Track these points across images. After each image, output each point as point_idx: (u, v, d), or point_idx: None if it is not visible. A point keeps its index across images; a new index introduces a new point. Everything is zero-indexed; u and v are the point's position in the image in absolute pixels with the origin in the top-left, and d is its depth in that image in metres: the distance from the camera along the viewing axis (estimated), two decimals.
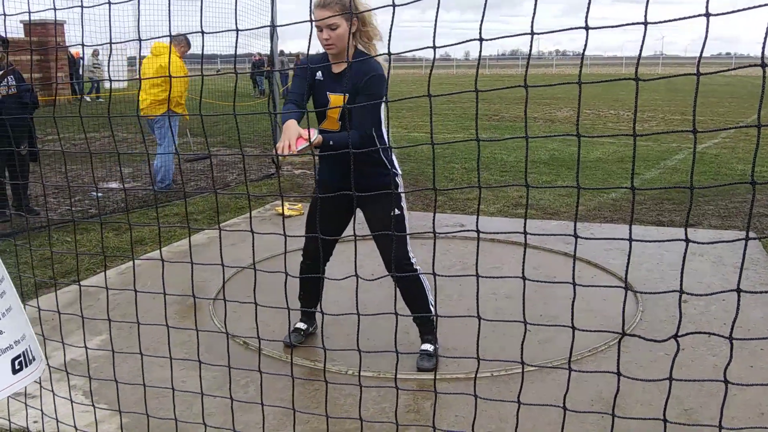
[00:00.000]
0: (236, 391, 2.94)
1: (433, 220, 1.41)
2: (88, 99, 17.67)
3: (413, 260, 3.17)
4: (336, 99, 3.01)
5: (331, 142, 2.88)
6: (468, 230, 1.33)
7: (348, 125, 2.52)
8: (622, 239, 1.26)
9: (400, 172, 3.19)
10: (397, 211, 3.07)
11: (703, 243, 1.27)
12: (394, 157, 3.14)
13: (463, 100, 21.17)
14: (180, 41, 7.18)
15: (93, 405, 2.44)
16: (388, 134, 2.89)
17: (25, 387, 2.77)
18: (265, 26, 5.57)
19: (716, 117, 15.71)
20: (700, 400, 2.86)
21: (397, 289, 2.86)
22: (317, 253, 3.24)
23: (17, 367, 1.56)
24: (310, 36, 1.73)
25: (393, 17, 1.44)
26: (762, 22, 1.26)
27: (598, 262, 4.72)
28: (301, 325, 3.54)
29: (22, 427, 2.71)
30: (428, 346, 3.24)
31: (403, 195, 3.18)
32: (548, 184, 7.72)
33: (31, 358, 1.62)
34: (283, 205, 1.95)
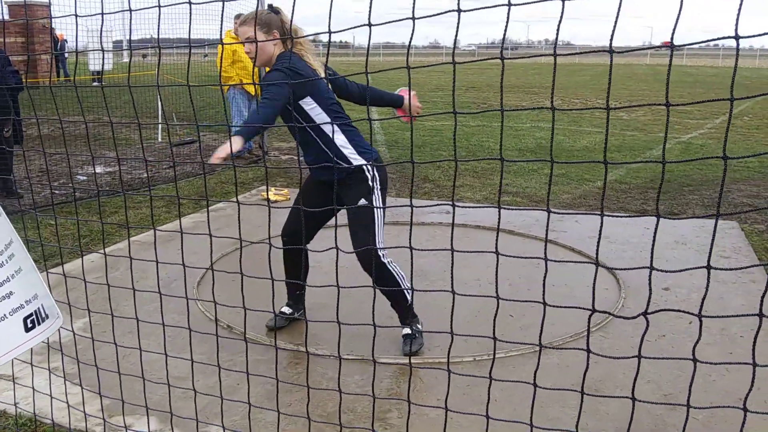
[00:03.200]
0: (216, 376, 2.94)
1: (411, 192, 1.40)
2: (95, 84, 17.50)
3: (381, 252, 3.14)
4: None
5: (238, 137, 2.86)
6: (444, 203, 1.34)
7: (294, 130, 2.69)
8: (590, 213, 1.27)
9: (363, 164, 3.14)
10: (363, 202, 3.09)
11: (667, 218, 1.27)
12: (353, 153, 3.14)
13: (452, 88, 21.08)
14: (234, 23, 8.00)
15: (81, 387, 2.44)
16: (349, 132, 3.11)
17: (12, 368, 2.76)
18: None
19: (703, 108, 15.79)
20: (679, 386, 2.89)
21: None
22: (297, 230, 3.29)
23: (29, 325, 1.61)
24: (292, 19, 1.72)
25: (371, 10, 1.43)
26: (744, 13, 1.26)
27: (582, 249, 4.74)
28: (286, 309, 3.54)
29: (8, 406, 2.70)
30: (407, 330, 3.26)
31: (375, 187, 3.15)
32: (534, 172, 7.75)
33: (44, 315, 1.66)
34: (268, 190, 1.94)
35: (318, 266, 4.21)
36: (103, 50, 1.76)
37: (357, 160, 3.12)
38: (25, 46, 17.31)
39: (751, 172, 7.76)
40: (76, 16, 2.00)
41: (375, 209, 3.11)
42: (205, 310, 3.71)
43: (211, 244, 1.85)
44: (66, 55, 23.03)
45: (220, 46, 7.98)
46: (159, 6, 1.53)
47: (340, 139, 3.13)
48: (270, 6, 3.18)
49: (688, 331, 3.44)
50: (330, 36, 1.56)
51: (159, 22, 1.52)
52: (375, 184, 3.14)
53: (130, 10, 1.65)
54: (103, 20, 1.90)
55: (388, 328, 3.41)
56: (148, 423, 2.52)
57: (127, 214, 2.13)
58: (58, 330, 2.27)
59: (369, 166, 3.13)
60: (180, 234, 1.67)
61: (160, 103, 9.84)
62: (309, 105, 3.09)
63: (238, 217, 1.63)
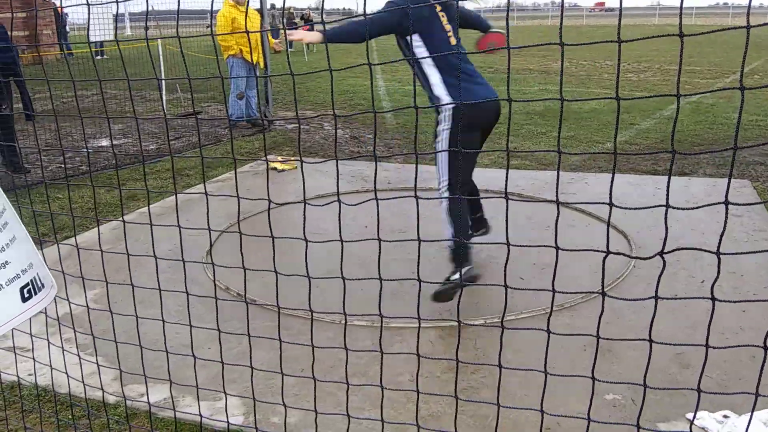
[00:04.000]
0: (230, 342, 2.95)
1: (415, 141, 1.37)
2: (98, 57, 17.36)
3: (440, 189, 3.37)
4: None
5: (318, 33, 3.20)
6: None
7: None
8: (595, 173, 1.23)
9: (442, 104, 3.26)
10: (437, 140, 3.34)
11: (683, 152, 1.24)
12: (442, 93, 3.23)
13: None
14: None
15: (81, 358, 2.44)
16: (445, 71, 3.20)
17: (14, 341, 2.77)
18: None
19: (713, 67, 15.55)
20: (691, 347, 2.87)
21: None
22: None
23: (26, 295, 1.60)
24: None
25: None
26: None
27: (591, 211, 4.70)
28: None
29: (14, 380, 2.72)
30: (448, 274, 3.29)
31: (444, 129, 3.27)
32: (543, 135, 7.67)
33: (39, 285, 1.65)
34: (267, 162, 1.91)
35: (325, 233, 4.19)
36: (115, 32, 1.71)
37: (441, 99, 3.20)
38: (26, 22, 17.19)
39: (762, 130, 7.65)
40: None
41: (440, 156, 3.31)
42: (216, 279, 3.71)
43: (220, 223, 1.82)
44: (68, 29, 22.87)
45: (220, 14, 8.00)
46: None
47: (435, 78, 3.20)
48: None
49: (701, 290, 3.42)
50: None
51: None
52: (444, 125, 3.24)
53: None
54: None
55: (395, 292, 3.41)
56: (170, 392, 2.53)
57: (147, 183, 2.11)
58: (68, 302, 2.26)
59: (444, 108, 3.20)
60: (190, 204, 1.65)
61: (162, 73, 9.77)
62: (416, 42, 3.17)
63: (266, 177, 1.60)
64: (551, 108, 9.64)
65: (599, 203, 1.24)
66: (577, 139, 7.33)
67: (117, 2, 1.71)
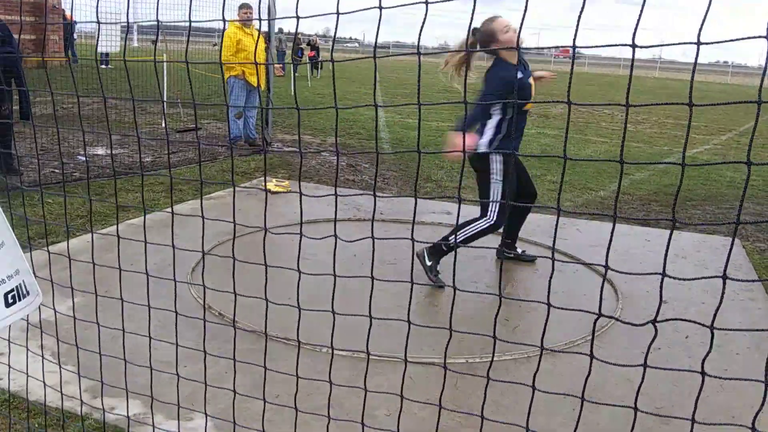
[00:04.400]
0: (207, 362, 2.90)
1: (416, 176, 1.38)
2: (104, 67, 17.42)
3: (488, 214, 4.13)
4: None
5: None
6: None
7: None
8: (595, 213, 1.23)
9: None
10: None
11: (687, 224, 1.24)
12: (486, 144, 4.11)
13: (458, 91, 21.03)
14: (238, 13, 8.25)
15: (60, 366, 2.41)
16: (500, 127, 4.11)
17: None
18: None
19: (710, 123, 15.75)
20: (673, 399, 2.86)
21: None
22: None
23: (10, 301, 1.58)
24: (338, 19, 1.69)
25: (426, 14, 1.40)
26: (759, 30, 1.22)
27: (582, 257, 4.71)
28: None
29: None
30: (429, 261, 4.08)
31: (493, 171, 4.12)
32: (538, 178, 7.71)
33: (24, 292, 1.62)
34: (266, 181, 1.91)
35: (313, 258, 4.18)
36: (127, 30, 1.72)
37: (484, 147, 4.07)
38: (34, 26, 17.28)
39: (755, 191, 7.72)
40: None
41: (495, 190, 4.09)
42: (198, 297, 3.68)
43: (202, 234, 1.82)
44: (75, 36, 22.99)
45: (225, 34, 8.09)
46: None
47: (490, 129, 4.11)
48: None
49: (684, 345, 3.41)
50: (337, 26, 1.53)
51: (158, 7, 1.49)
52: (496, 175, 4.08)
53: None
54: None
55: (381, 324, 3.38)
56: (128, 406, 2.49)
57: (144, 194, 2.10)
58: (53, 309, 2.23)
59: (497, 159, 4.06)
60: (181, 218, 1.64)
61: (165, 87, 9.81)
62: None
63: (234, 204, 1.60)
64: (547, 151, 9.71)
65: (598, 265, 1.24)
66: (572, 185, 7.37)
67: (128, 22, 1.72)
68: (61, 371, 2.44)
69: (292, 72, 19.77)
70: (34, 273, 1.71)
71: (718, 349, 3.38)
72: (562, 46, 1.25)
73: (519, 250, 4.69)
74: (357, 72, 26.08)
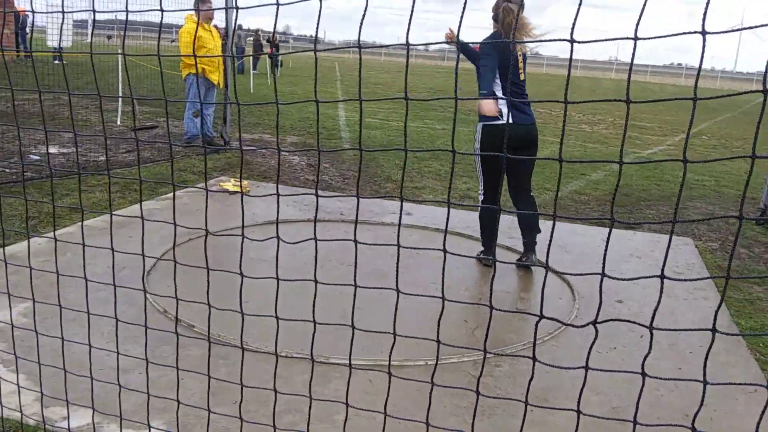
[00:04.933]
0: (161, 368, 2.85)
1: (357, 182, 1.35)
2: (56, 62, 16.92)
3: (479, 194, 4.52)
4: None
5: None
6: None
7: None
8: (545, 214, 1.23)
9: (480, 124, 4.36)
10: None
11: (624, 223, 1.25)
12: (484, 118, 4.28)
13: (421, 92, 21.12)
14: (197, 8, 8.01)
15: (17, 374, 2.32)
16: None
17: None
18: None
19: (664, 125, 16.11)
20: (629, 399, 2.90)
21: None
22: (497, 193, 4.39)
23: None
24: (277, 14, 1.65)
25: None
26: (715, 34, 1.24)
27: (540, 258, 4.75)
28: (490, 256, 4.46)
29: None
30: (533, 255, 4.44)
31: (475, 146, 4.39)
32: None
33: None
34: (240, 179, 1.87)
35: (270, 262, 4.13)
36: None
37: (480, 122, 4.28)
38: None
39: (706, 190, 7.92)
40: None
41: (476, 162, 4.47)
42: (153, 302, 3.60)
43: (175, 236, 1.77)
44: (27, 30, 22.36)
45: (183, 30, 7.94)
46: None
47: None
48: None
49: (640, 344, 3.46)
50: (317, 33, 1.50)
51: None
52: (475, 144, 4.35)
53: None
54: None
55: (338, 328, 3.36)
56: (93, 417, 2.42)
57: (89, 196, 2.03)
58: None
59: (479, 127, 4.28)
60: (137, 220, 1.59)
61: (120, 84, 9.60)
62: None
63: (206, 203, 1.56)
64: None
65: (539, 265, 1.24)
66: None
67: (64, 11, 1.66)
68: None
69: (251, 70, 19.57)
70: None
71: (671, 348, 3.45)
72: (546, 40, 1.24)
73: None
74: (320, 68, 25.86)
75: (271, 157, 8.35)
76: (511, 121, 4.01)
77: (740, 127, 17.35)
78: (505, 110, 4.16)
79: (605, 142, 11.92)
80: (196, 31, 2.07)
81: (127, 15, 1.58)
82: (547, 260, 1.22)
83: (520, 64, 4.30)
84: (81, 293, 3.37)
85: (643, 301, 4.07)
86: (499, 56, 4.14)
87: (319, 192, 6.34)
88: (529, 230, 4.44)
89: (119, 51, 10.18)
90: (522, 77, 4.31)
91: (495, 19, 4.30)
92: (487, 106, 4.10)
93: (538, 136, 4.37)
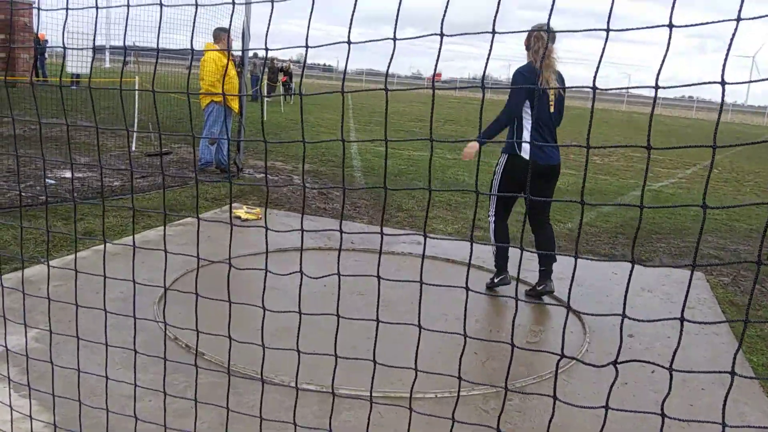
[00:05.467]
0: (172, 396, 2.85)
1: (382, 220, 1.37)
2: (73, 87, 17.21)
3: (490, 217, 4.67)
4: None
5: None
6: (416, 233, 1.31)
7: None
8: (564, 255, 1.25)
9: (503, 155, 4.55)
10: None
11: (645, 265, 1.26)
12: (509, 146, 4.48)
13: (436, 121, 21.21)
14: (220, 37, 8.06)
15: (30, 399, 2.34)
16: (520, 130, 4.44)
17: None
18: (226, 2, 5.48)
19: (676, 157, 16.10)
20: None
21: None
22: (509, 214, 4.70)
23: None
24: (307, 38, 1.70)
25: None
26: (724, 67, 1.27)
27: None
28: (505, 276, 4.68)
29: None
30: (550, 283, 4.55)
31: (497, 170, 4.56)
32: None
33: None
34: (232, 209, 1.90)
35: (283, 290, 4.14)
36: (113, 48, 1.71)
37: (512, 147, 4.41)
38: (4, 43, 17.07)
39: (718, 224, 7.89)
40: (66, 9, 1.96)
41: (492, 186, 4.51)
42: (164, 329, 3.61)
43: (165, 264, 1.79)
44: (46, 55, 22.76)
45: (208, 59, 8.03)
46: (128, 5, 1.49)
47: (525, 131, 4.37)
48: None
49: (651, 380, 3.44)
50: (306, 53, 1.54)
51: (126, 29, 1.48)
52: (497, 168, 4.50)
53: (97, 8, 1.61)
54: (97, 15, 1.86)
55: (351, 360, 3.36)
56: None
57: (103, 221, 2.07)
58: (4, 345, 2.17)
59: (503, 157, 4.47)
60: (148, 245, 1.62)
61: (136, 112, 9.74)
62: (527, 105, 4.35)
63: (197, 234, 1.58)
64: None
65: (559, 304, 1.25)
66: None
67: (97, 7, 1.71)
68: (12, 412, 2.38)
69: (261, 95, 19.78)
70: None
71: (683, 384, 3.42)
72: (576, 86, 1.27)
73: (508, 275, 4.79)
74: (330, 98, 26.22)
75: (283, 183, 8.41)
76: (527, 157, 4.11)
77: (752, 161, 17.33)
78: (525, 143, 4.30)
79: (616, 174, 11.93)
80: (225, 65, 2.11)
81: (158, 41, 1.62)
82: (568, 300, 1.24)
83: (551, 97, 4.35)
84: (93, 319, 3.39)
85: (654, 336, 4.05)
86: (530, 90, 4.26)
87: (334, 221, 6.37)
88: (547, 258, 4.51)
89: (131, 78, 10.34)
90: (551, 110, 4.38)
91: (527, 47, 4.37)
92: (467, 150, 4.43)
93: (560, 172, 4.49)
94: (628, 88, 1.41)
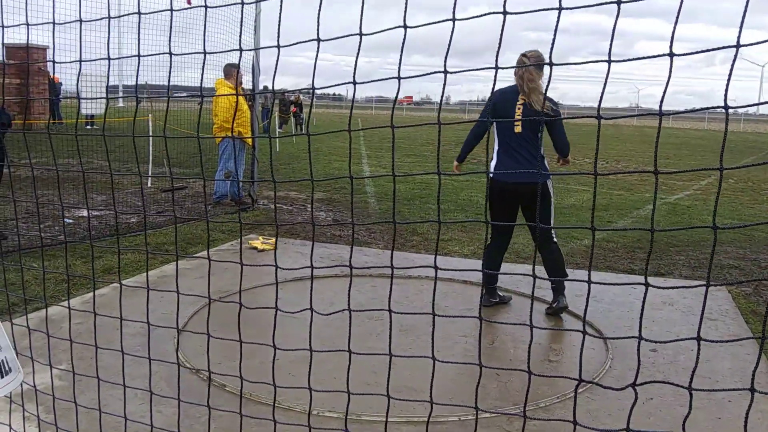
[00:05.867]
0: (195, 428, 2.86)
1: (392, 252, 1.38)
2: (88, 127, 17.54)
3: (554, 236, 4.63)
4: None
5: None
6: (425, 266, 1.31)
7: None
8: (580, 281, 1.25)
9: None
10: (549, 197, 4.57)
11: (660, 288, 1.26)
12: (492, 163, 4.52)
13: (444, 144, 21.25)
14: (231, 73, 8.15)
15: None
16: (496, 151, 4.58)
17: None
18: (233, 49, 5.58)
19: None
20: None
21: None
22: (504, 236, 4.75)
23: None
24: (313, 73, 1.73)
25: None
26: (735, 78, 1.28)
27: (570, 308, 4.71)
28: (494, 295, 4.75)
29: None
30: (563, 299, 4.52)
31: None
32: (522, 228, 7.76)
33: (7, 369, 1.59)
34: (241, 239, 1.92)
35: (300, 318, 4.15)
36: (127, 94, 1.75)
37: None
38: (20, 88, 17.41)
39: (736, 235, 7.82)
40: (80, 61, 2.01)
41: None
42: (185, 360, 3.63)
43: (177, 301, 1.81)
44: (60, 97, 23.15)
45: (223, 97, 8.11)
46: (138, 55, 1.53)
47: (495, 150, 4.57)
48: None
49: (677, 394, 3.39)
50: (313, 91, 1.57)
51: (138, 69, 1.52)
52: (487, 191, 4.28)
53: (109, 59, 1.65)
54: (109, 65, 1.90)
55: (368, 383, 3.35)
56: None
57: (119, 259, 2.09)
58: (22, 381, 2.20)
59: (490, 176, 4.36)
60: (167, 279, 1.64)
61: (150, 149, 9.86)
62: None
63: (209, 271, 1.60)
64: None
65: (596, 336, 1.25)
66: (557, 234, 7.41)
67: (109, 59, 1.75)
68: None
69: (276, 129, 19.97)
70: (14, 347, 1.69)
71: (709, 397, 3.37)
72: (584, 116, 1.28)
73: (499, 295, 4.88)
74: (342, 125, 26.42)
75: (298, 213, 8.46)
76: (491, 175, 4.24)
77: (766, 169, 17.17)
78: (493, 163, 4.46)
79: (631, 189, 11.87)
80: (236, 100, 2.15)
81: (168, 89, 1.66)
82: (584, 326, 1.24)
83: (518, 112, 4.38)
84: (115, 354, 3.41)
85: (677, 349, 4.00)
86: (495, 109, 4.43)
87: (348, 248, 6.38)
88: (554, 274, 4.52)
89: (145, 116, 10.50)
90: (517, 130, 4.40)
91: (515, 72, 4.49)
92: (454, 168, 4.80)
93: (537, 193, 4.35)
94: (633, 116, 1.43)
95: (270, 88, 25.66)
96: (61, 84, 21.10)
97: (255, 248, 6.25)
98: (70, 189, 9.03)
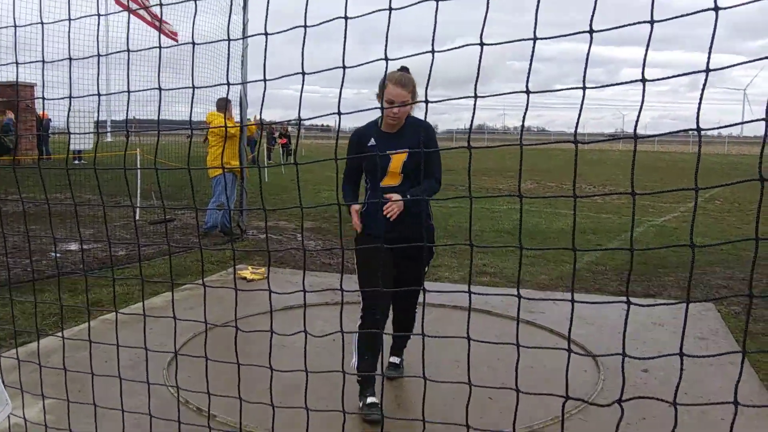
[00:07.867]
0: None
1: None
2: (76, 162, 17.56)
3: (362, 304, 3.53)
4: (398, 156, 3.34)
5: (408, 196, 3.32)
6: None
7: (413, 177, 3.17)
8: (562, 299, 1.26)
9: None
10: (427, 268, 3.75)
11: (641, 305, 1.28)
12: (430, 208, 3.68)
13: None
14: (222, 107, 8.22)
15: None
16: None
17: None
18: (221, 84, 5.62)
19: (676, 192, 16.17)
20: None
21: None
22: (384, 305, 3.49)
23: None
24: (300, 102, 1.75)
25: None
26: (719, 102, 1.31)
27: (560, 330, 4.72)
28: (375, 400, 3.33)
29: None
30: (396, 359, 3.89)
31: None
32: (511, 252, 7.79)
33: None
34: (235, 270, 1.92)
35: (291, 347, 4.13)
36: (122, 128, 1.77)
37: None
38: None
39: (725, 255, 7.88)
40: (70, 98, 2.03)
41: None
42: (175, 393, 3.59)
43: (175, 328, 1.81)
44: (49, 134, 23.15)
45: (215, 128, 8.17)
46: (128, 91, 1.55)
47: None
48: (404, 68, 3.47)
49: (669, 414, 3.38)
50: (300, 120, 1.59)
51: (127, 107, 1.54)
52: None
53: (99, 95, 1.67)
54: (99, 101, 1.92)
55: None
56: None
57: (114, 289, 2.09)
58: (11, 415, 2.17)
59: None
60: (156, 311, 1.64)
61: (139, 182, 9.85)
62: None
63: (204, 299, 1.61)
64: (516, 227, 9.85)
65: (562, 349, 1.26)
66: (545, 258, 7.45)
67: (99, 95, 1.77)
68: None
69: (265, 160, 20.04)
70: (2, 380, 1.68)
71: (702, 416, 3.37)
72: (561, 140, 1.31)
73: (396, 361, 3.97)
74: (330, 155, 26.45)
75: (288, 243, 8.45)
76: (359, 230, 3.49)
77: (754, 190, 17.35)
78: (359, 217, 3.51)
79: (618, 212, 11.96)
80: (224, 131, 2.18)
81: (158, 125, 1.68)
82: (569, 344, 1.25)
83: (392, 155, 3.35)
84: (106, 386, 3.38)
85: (669, 370, 4.00)
86: (358, 152, 3.44)
87: (331, 273, 6.38)
88: (399, 336, 3.86)
89: (133, 150, 10.52)
90: (383, 182, 3.43)
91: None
92: (353, 219, 3.50)
93: (420, 250, 3.39)
94: (608, 140, 1.46)
95: (257, 119, 25.78)
96: (50, 120, 21.11)
97: (245, 278, 6.23)
98: (57, 223, 8.99)
